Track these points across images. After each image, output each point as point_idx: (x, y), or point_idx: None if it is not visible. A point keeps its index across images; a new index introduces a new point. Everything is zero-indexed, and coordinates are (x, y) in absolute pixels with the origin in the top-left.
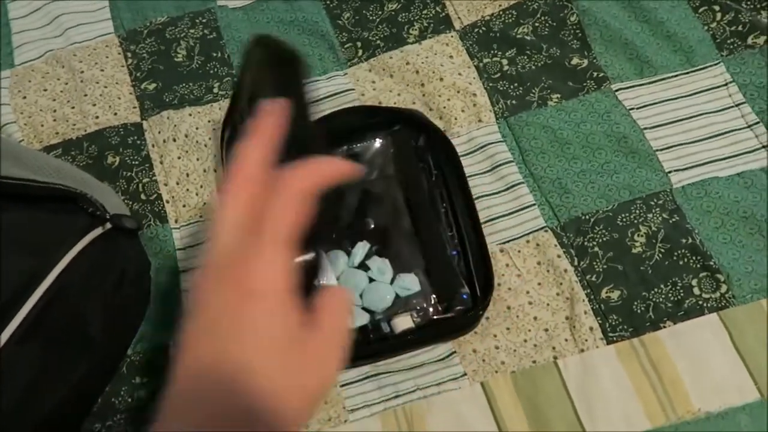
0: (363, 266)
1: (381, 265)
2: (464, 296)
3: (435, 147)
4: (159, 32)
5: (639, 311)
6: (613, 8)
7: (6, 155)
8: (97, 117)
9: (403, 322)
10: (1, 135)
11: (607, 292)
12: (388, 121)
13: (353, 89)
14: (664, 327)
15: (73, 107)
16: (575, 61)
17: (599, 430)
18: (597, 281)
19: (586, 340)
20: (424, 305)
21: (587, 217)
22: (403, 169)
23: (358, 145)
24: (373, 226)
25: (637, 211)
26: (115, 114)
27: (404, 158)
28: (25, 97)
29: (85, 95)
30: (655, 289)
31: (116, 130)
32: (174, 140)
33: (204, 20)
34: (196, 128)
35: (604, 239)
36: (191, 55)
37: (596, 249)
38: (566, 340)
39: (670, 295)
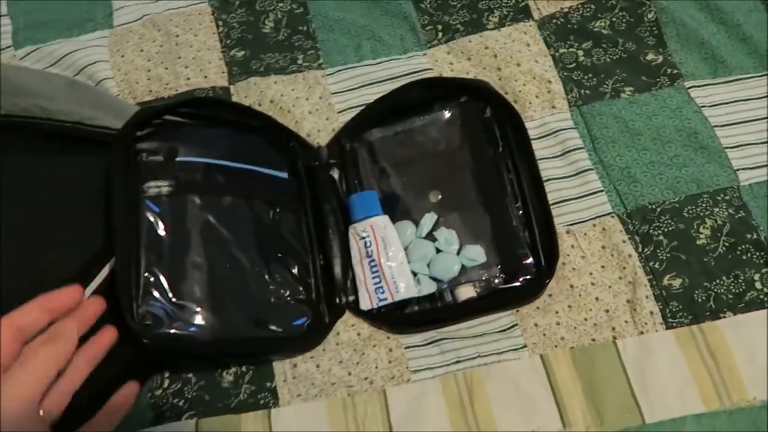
0: (430, 236)
1: (448, 236)
2: (528, 265)
3: (501, 118)
4: (249, 4)
5: (700, 300)
6: (691, 8)
7: (110, 109)
8: (188, 78)
9: (466, 292)
10: (100, 89)
11: (669, 280)
12: (456, 92)
13: (431, 69)
14: (724, 317)
15: (166, 68)
16: (650, 56)
17: (654, 408)
18: (660, 268)
19: (646, 323)
20: (487, 276)
21: (654, 206)
22: (470, 141)
23: (426, 117)
24: (440, 197)
25: (704, 205)
26: (206, 77)
27: (471, 130)
28: (123, 56)
29: (179, 58)
30: (717, 281)
31: (205, 93)
32: (259, 105)
33: None
34: (281, 95)
35: (670, 229)
36: (278, 27)
37: (661, 237)
38: (626, 322)
39: (731, 287)
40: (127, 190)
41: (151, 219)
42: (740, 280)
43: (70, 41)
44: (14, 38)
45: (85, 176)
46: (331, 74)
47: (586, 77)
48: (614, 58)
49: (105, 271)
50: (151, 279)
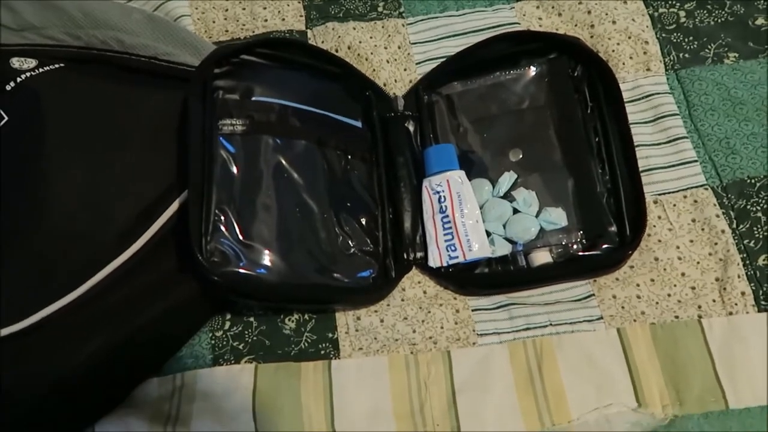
0: (508, 196)
1: (527, 197)
2: (611, 233)
3: (593, 78)
4: None
5: None
6: None
7: (187, 46)
8: (265, 20)
9: (542, 257)
10: (178, 26)
11: (765, 260)
12: (545, 48)
13: (518, 23)
14: None
15: (244, 8)
16: (760, 21)
17: (740, 393)
18: (755, 247)
19: (736, 305)
20: (566, 242)
21: (753, 180)
22: (557, 99)
23: (511, 72)
24: (521, 156)
25: None
26: (283, 20)
27: (559, 88)
28: None
29: None
30: None
31: (282, 35)
32: (336, 51)
33: None
34: (359, 42)
35: None
36: None
37: (759, 214)
38: (714, 301)
39: None
40: (203, 126)
41: (225, 156)
42: None
43: None
44: None
45: (159, 111)
46: (411, 24)
47: (686, 40)
48: (719, 21)
49: (174, 206)
50: (222, 217)
